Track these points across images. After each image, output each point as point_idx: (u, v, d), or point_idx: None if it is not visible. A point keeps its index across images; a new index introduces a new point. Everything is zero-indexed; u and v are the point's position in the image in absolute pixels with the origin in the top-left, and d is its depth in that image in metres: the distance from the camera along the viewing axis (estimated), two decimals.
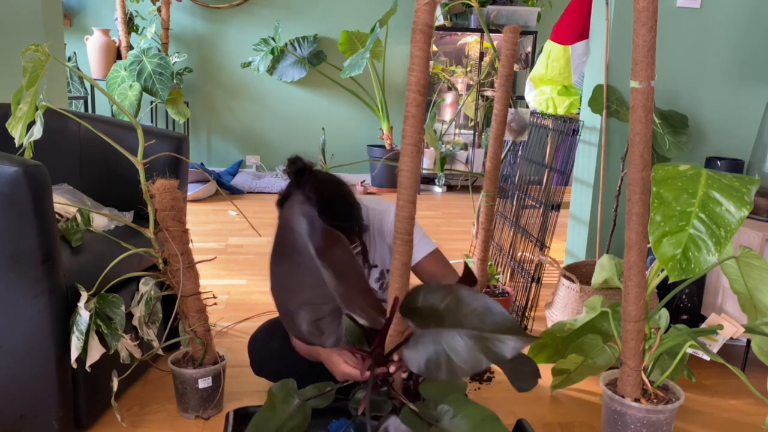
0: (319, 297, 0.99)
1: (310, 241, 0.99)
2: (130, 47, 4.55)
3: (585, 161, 2.50)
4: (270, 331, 1.69)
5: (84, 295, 1.43)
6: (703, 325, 1.54)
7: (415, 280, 1.27)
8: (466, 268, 1.14)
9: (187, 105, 4.65)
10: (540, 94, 2.94)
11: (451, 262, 1.75)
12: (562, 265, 2.26)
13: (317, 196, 1.39)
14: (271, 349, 1.65)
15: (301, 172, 1.44)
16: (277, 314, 1.96)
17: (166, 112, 4.69)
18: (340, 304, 0.99)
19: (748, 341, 1.95)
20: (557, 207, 2.25)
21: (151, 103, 4.55)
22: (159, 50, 4.34)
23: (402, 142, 1.17)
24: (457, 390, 1.05)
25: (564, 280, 2.16)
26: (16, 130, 1.43)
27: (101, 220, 1.75)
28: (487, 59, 4.90)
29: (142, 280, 1.60)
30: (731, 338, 1.49)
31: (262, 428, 1.03)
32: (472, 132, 5.06)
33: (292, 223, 1.00)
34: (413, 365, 0.99)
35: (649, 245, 1.37)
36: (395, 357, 1.11)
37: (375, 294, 1.03)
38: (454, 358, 0.95)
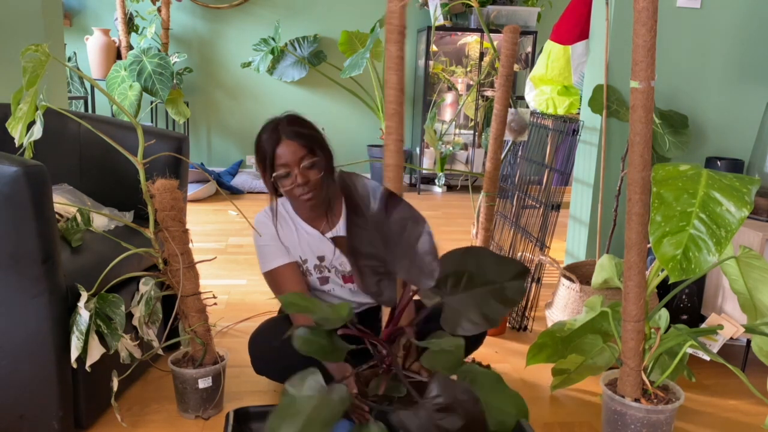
0: (377, 259, 1.02)
1: (372, 200, 1.04)
2: (130, 47, 4.55)
3: (585, 161, 2.50)
4: (270, 330, 1.69)
5: (84, 295, 1.43)
6: (703, 325, 1.54)
7: None
8: None
9: (187, 105, 4.65)
10: (540, 94, 2.94)
11: None
12: (562, 265, 2.26)
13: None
14: (271, 348, 1.65)
15: None
16: (277, 313, 1.97)
17: (166, 112, 4.69)
18: (390, 268, 1.01)
19: (748, 341, 1.95)
20: (557, 207, 2.25)
21: (151, 103, 4.55)
22: (159, 50, 4.34)
23: (386, 139, 1.19)
24: (456, 360, 1.05)
25: (564, 280, 2.16)
26: (16, 130, 1.43)
27: (101, 220, 1.75)
28: (487, 59, 4.90)
29: (142, 280, 1.60)
30: (731, 338, 1.49)
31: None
32: (472, 132, 5.06)
33: (353, 182, 1.05)
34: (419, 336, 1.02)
35: (649, 245, 1.37)
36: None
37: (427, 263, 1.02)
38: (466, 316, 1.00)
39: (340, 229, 1.73)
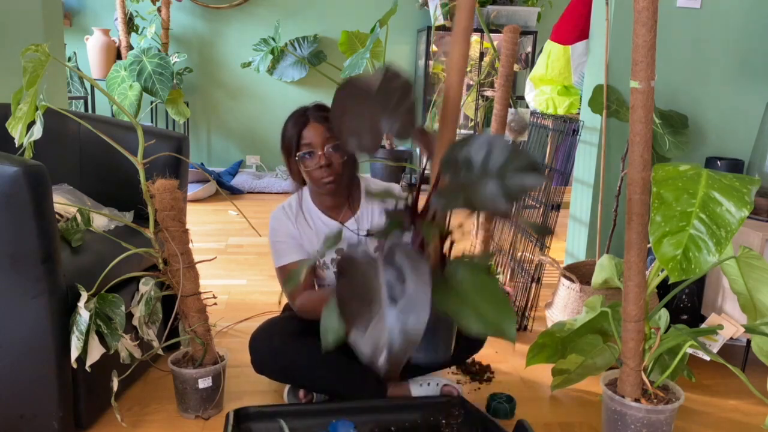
0: (365, 120, 1.11)
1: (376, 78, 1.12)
2: (130, 47, 4.55)
3: (585, 161, 2.50)
4: (271, 329, 1.69)
5: (84, 295, 1.43)
6: (703, 325, 1.54)
7: None
8: None
9: (187, 105, 4.65)
10: (540, 94, 2.94)
11: None
12: (562, 265, 2.26)
13: None
14: (272, 347, 1.65)
15: None
16: (277, 313, 1.97)
17: (166, 112, 4.69)
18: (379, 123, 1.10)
19: (748, 341, 1.95)
20: (557, 207, 2.25)
21: (151, 103, 4.55)
22: (159, 50, 4.34)
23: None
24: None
25: (564, 280, 2.16)
26: (16, 130, 1.43)
27: (101, 220, 1.75)
28: (487, 59, 4.90)
29: (142, 280, 1.60)
30: (731, 338, 1.49)
31: None
32: (472, 132, 5.07)
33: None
34: (438, 207, 1.07)
35: (649, 245, 1.37)
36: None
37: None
38: (475, 199, 1.02)
39: (360, 217, 1.73)
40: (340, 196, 1.72)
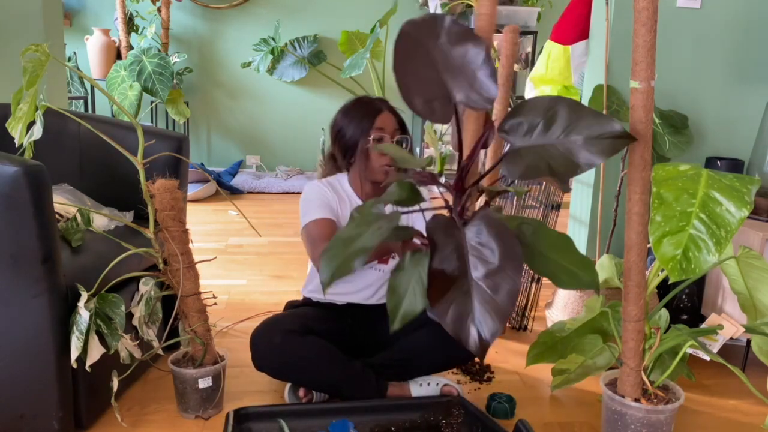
0: (434, 84, 1.12)
1: (442, 34, 1.14)
2: (130, 47, 4.55)
3: None
4: (272, 326, 1.69)
5: (84, 295, 1.43)
6: (703, 325, 1.54)
7: None
8: None
9: (187, 105, 4.65)
10: (540, 94, 2.94)
11: None
12: None
13: None
14: (272, 345, 1.65)
15: None
16: (278, 311, 1.97)
17: (166, 112, 4.69)
18: (450, 92, 1.12)
19: (748, 341, 1.95)
20: (557, 207, 2.25)
21: (151, 103, 4.55)
22: (159, 50, 4.34)
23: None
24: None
25: None
26: (16, 130, 1.43)
27: (101, 220, 1.75)
28: None
29: (142, 280, 1.60)
30: (731, 338, 1.49)
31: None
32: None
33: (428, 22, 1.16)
34: (513, 175, 1.07)
35: (649, 245, 1.37)
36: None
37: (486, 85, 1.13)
38: (552, 164, 1.03)
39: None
40: (382, 189, 1.76)
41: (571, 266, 1.03)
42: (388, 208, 1.12)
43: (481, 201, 1.26)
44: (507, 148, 1.11)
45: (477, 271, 0.90)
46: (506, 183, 2.17)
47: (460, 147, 1.18)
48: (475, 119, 1.58)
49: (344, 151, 1.78)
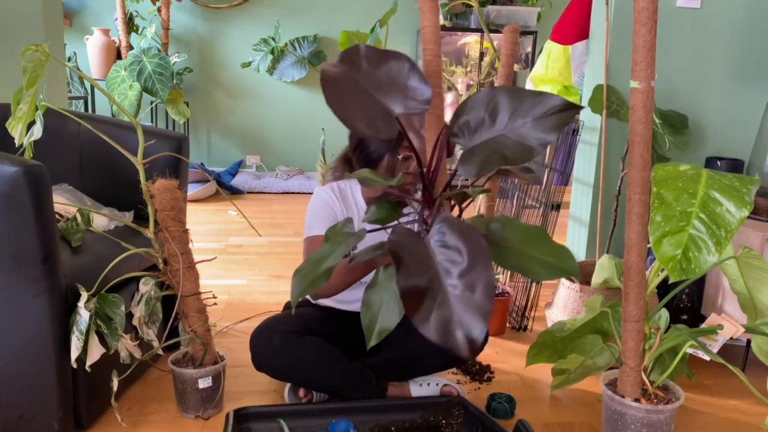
0: (371, 105, 1.15)
1: (362, 62, 1.17)
2: (130, 47, 4.55)
3: (585, 161, 2.50)
4: (272, 326, 1.69)
5: (84, 295, 1.43)
6: (703, 325, 1.54)
7: None
8: None
9: (187, 105, 4.65)
10: None
11: None
12: None
13: None
14: (272, 345, 1.65)
15: None
16: (278, 311, 1.97)
17: (166, 112, 4.69)
18: (387, 108, 1.15)
19: (748, 341, 1.95)
20: (557, 207, 2.25)
21: (151, 103, 4.54)
22: (159, 50, 4.34)
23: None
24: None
25: (564, 280, 2.16)
26: (16, 130, 1.43)
27: (101, 220, 1.75)
28: (487, 59, 4.90)
29: (142, 280, 1.60)
30: (731, 338, 1.49)
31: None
32: None
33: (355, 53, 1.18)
34: (470, 174, 1.08)
35: (649, 245, 1.37)
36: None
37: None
38: (506, 153, 1.04)
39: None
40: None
41: (546, 257, 1.02)
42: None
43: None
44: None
45: (449, 275, 0.90)
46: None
47: (417, 158, 1.19)
48: (438, 127, 1.58)
49: (365, 162, 1.70)
